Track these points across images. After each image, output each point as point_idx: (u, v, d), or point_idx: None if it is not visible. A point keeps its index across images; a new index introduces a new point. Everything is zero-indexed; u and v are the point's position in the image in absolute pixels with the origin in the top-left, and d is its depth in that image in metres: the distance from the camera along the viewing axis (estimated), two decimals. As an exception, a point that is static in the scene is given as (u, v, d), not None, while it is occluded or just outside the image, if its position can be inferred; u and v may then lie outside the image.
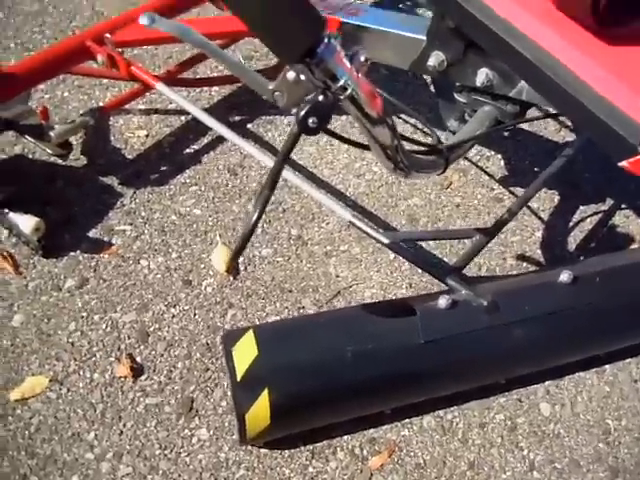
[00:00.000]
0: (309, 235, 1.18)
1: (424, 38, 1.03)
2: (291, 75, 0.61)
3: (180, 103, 1.13)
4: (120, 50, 1.14)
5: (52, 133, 1.08)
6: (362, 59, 0.61)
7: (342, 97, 0.61)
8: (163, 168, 1.26)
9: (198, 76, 1.42)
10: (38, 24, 1.52)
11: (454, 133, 1.15)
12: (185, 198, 1.21)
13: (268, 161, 1.07)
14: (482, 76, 1.00)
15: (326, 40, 0.58)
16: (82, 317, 1.04)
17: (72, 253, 1.11)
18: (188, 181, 1.24)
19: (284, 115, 1.37)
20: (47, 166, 1.23)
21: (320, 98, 0.61)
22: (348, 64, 0.60)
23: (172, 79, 1.26)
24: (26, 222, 1.03)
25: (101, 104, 1.34)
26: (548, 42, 0.77)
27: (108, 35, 1.13)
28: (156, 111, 1.34)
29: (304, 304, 1.08)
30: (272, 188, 0.66)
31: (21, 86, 1.08)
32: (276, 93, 0.64)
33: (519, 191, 1.28)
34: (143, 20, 0.63)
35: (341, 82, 0.60)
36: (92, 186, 1.21)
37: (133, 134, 1.30)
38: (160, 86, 1.11)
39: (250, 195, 1.23)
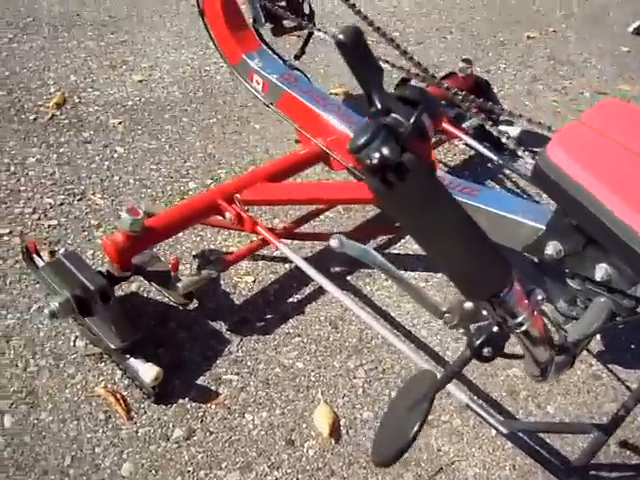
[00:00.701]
0: (409, 400, 1.18)
1: (543, 227, 1.08)
2: (469, 305, 0.65)
3: (290, 257, 1.18)
4: (247, 208, 1.23)
5: (179, 285, 1.14)
6: (539, 298, 0.65)
7: (517, 331, 0.65)
8: (268, 316, 1.30)
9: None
10: (155, 162, 1.65)
11: (563, 314, 1.17)
12: (289, 349, 1.25)
13: (365, 316, 1.10)
14: (601, 271, 1.03)
15: (510, 285, 0.62)
16: (188, 472, 1.04)
17: (181, 400, 1.13)
18: (291, 331, 1.28)
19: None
20: (160, 305, 1.28)
21: (495, 329, 0.65)
22: (527, 303, 0.64)
23: (288, 234, 1.33)
24: (147, 371, 1.07)
25: (212, 246, 1.42)
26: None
27: (238, 195, 1.22)
28: (263, 257, 1.41)
29: (406, 479, 1.07)
30: (431, 403, 0.69)
31: (158, 238, 1.16)
32: (447, 315, 0.68)
33: (617, 369, 1.27)
34: (333, 243, 0.68)
35: (519, 320, 0.64)
36: (202, 330, 1.25)
37: (241, 279, 1.36)
38: (282, 247, 1.17)
39: (350, 351, 1.25)
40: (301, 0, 1.64)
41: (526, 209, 1.15)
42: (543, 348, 0.72)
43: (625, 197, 0.90)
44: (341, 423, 1.13)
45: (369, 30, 1.35)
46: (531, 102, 2.04)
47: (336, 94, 1.98)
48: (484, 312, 0.64)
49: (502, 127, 1.77)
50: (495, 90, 2.06)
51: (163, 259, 1.35)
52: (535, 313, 0.65)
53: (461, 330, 0.68)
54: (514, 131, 1.76)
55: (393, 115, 0.57)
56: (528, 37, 2.41)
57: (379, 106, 0.57)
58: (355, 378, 1.21)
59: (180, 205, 1.24)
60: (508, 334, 0.65)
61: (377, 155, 0.54)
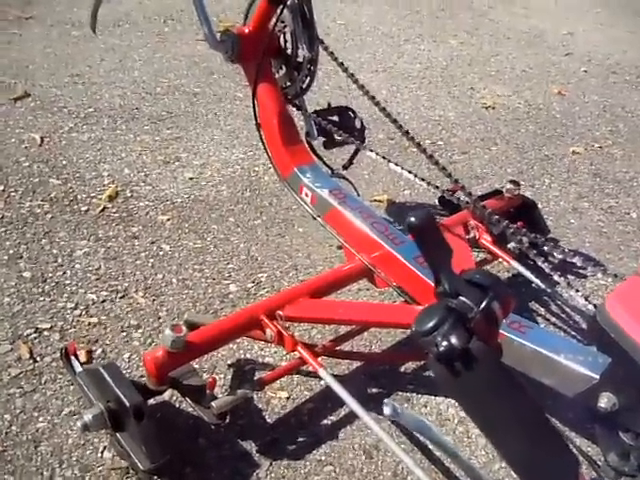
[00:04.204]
0: None
1: (596, 377, 1.03)
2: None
3: (329, 383, 1.15)
4: (287, 325, 1.22)
5: (214, 404, 1.12)
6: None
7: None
8: (300, 439, 1.25)
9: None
10: (199, 262, 1.66)
11: (614, 469, 1.10)
12: (320, 479, 1.19)
13: (399, 452, 1.04)
14: (659, 430, 0.97)
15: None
16: None
17: (205, 530, 1.08)
18: (323, 459, 1.22)
19: (420, 394, 1.37)
20: (191, 418, 1.25)
21: None
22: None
23: (328, 352, 1.30)
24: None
25: (248, 355, 1.40)
26: None
27: (280, 312, 1.21)
28: (298, 372, 1.38)
29: None
30: None
31: (198, 354, 1.15)
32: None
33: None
34: (387, 410, 0.66)
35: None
36: (231, 450, 1.21)
37: (275, 394, 1.33)
38: (322, 373, 1.14)
39: (385, 486, 1.19)
40: (353, 116, 1.70)
41: (578, 353, 1.10)
42: None
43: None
44: None
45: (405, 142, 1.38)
46: (576, 220, 2.03)
47: (380, 201, 2.00)
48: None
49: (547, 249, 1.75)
50: (539, 206, 2.06)
51: (197, 366, 1.34)
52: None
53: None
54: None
55: (461, 299, 0.55)
56: (573, 152, 2.42)
57: (447, 288, 0.56)
58: (389, 519, 1.14)
59: (222, 320, 1.23)
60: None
61: (445, 343, 0.52)
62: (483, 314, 0.54)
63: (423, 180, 1.40)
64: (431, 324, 0.53)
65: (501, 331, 1.17)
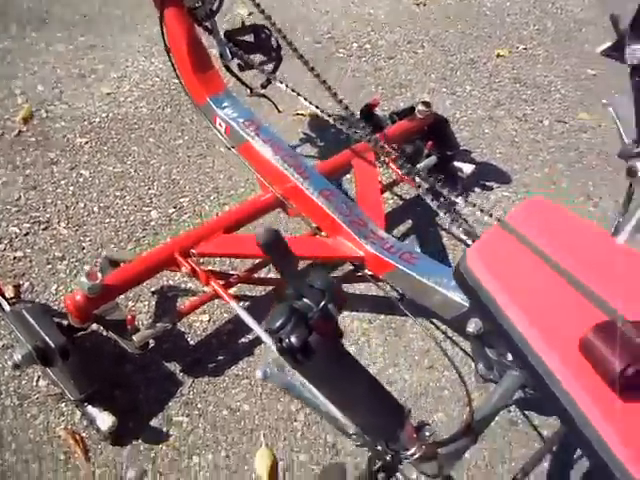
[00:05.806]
0: (342, 444, 1.32)
1: (466, 305, 1.19)
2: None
3: (240, 313, 1.27)
4: (202, 261, 1.31)
5: (135, 337, 1.24)
6: (427, 434, 0.76)
7: (407, 461, 0.76)
8: (220, 357, 1.40)
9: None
10: (120, 187, 1.70)
11: (483, 377, 1.30)
12: (237, 392, 1.36)
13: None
14: (514, 352, 1.15)
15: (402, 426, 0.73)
16: (138, 512, 1.17)
17: (135, 442, 1.25)
18: (241, 373, 1.39)
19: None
20: (118, 347, 1.37)
21: (388, 458, 0.76)
22: (415, 437, 0.76)
23: (244, 281, 1.42)
24: (103, 421, 1.18)
25: (171, 282, 1.51)
26: (569, 384, 0.91)
27: (194, 251, 1.30)
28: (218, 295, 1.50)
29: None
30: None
31: (116, 294, 1.25)
32: (354, 436, 0.79)
33: (533, 415, 1.42)
34: (258, 374, 0.78)
35: (409, 452, 0.75)
36: (157, 372, 1.35)
37: (197, 318, 1.46)
38: (233, 304, 1.26)
39: (294, 394, 1.37)
40: (268, 33, 1.67)
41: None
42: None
43: (529, 313, 1.00)
44: (280, 465, 1.27)
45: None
46: (491, 130, 2.11)
47: (303, 115, 2.03)
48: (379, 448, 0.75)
49: (456, 163, 1.85)
50: (457, 115, 2.13)
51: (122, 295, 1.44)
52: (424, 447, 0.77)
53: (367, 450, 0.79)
54: (468, 168, 1.84)
55: (305, 300, 0.66)
56: (498, 55, 2.44)
57: (292, 291, 0.66)
58: (295, 421, 1.34)
59: (138, 260, 1.31)
60: (400, 461, 0.77)
61: (286, 340, 0.63)
62: (321, 314, 0.65)
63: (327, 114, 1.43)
64: (278, 324, 0.64)
65: (393, 262, 1.30)
